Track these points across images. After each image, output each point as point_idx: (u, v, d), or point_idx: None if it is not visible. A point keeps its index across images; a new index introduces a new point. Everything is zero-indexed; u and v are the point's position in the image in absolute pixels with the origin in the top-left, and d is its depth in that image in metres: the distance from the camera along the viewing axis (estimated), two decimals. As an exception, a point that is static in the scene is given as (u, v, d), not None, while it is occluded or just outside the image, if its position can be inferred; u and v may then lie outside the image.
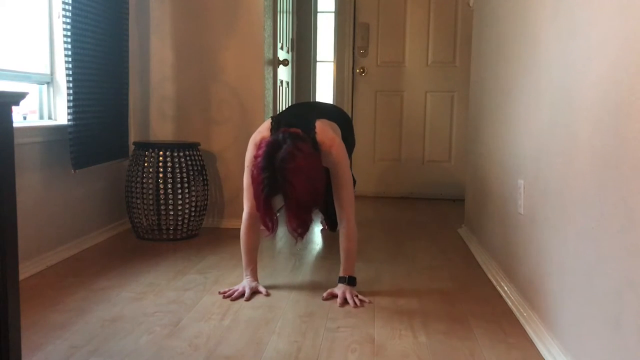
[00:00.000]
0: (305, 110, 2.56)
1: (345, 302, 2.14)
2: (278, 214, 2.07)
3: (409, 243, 3.18)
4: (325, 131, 2.21)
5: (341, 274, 2.26)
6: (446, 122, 4.74)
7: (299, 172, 1.95)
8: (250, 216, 2.29)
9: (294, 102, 4.69)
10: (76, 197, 2.81)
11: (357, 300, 2.14)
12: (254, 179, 2.02)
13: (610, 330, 1.32)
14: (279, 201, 2.04)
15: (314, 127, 2.19)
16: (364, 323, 1.96)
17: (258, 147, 2.07)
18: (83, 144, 2.67)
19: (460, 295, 2.27)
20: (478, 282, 2.46)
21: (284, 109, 3.33)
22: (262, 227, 2.10)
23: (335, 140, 2.22)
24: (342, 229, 2.28)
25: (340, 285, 2.23)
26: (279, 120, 2.24)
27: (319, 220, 3.42)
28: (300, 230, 2.04)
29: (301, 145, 2.00)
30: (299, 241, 2.17)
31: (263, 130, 2.25)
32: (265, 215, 2.03)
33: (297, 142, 2.00)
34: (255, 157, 2.04)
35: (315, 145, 2.13)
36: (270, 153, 1.98)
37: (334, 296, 2.20)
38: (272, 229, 2.06)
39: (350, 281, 2.24)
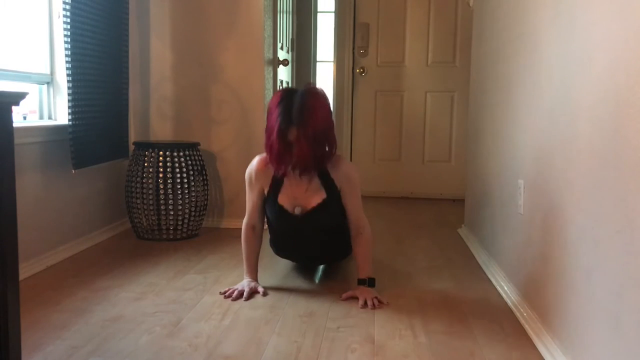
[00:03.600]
0: None
1: (366, 304, 2.12)
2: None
3: (409, 243, 3.18)
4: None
5: (360, 276, 2.24)
6: (446, 122, 4.74)
7: (318, 98, 2.08)
8: (248, 225, 2.31)
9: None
10: (76, 197, 2.81)
11: (375, 302, 2.12)
12: (269, 116, 2.07)
13: (610, 330, 1.32)
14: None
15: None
16: (364, 323, 1.96)
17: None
18: (83, 144, 2.67)
19: (460, 295, 2.27)
20: (478, 282, 2.46)
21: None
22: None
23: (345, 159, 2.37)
24: (356, 235, 2.27)
25: (361, 287, 2.21)
26: None
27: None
28: (305, 164, 2.07)
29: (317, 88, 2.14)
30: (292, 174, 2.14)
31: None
32: (278, 154, 2.06)
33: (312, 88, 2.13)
34: (271, 104, 2.10)
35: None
36: (287, 90, 2.11)
37: (353, 298, 2.18)
38: (285, 170, 2.12)
39: (370, 283, 2.22)
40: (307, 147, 2.04)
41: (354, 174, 2.27)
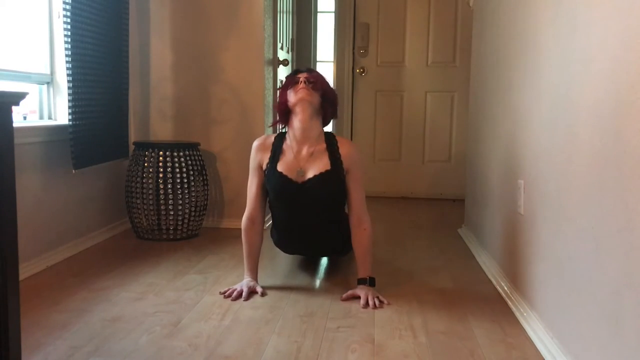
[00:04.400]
0: None
1: (367, 303, 2.11)
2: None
3: (409, 243, 3.18)
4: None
5: (360, 275, 2.23)
6: (446, 122, 4.74)
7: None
8: (249, 219, 2.30)
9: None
10: (76, 197, 2.81)
11: (377, 302, 2.12)
12: (281, 90, 2.28)
13: (610, 330, 1.32)
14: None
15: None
16: (364, 323, 1.96)
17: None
18: (83, 144, 2.67)
19: (460, 295, 2.27)
20: (478, 282, 2.46)
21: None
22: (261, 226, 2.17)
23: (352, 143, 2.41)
24: (357, 226, 2.27)
25: (361, 287, 2.20)
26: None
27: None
28: (321, 82, 2.25)
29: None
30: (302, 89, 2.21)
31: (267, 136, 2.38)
32: (286, 86, 2.25)
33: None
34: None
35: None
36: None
37: (354, 297, 2.18)
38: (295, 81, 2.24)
39: (371, 282, 2.22)
40: (319, 74, 2.28)
41: (362, 162, 2.34)
